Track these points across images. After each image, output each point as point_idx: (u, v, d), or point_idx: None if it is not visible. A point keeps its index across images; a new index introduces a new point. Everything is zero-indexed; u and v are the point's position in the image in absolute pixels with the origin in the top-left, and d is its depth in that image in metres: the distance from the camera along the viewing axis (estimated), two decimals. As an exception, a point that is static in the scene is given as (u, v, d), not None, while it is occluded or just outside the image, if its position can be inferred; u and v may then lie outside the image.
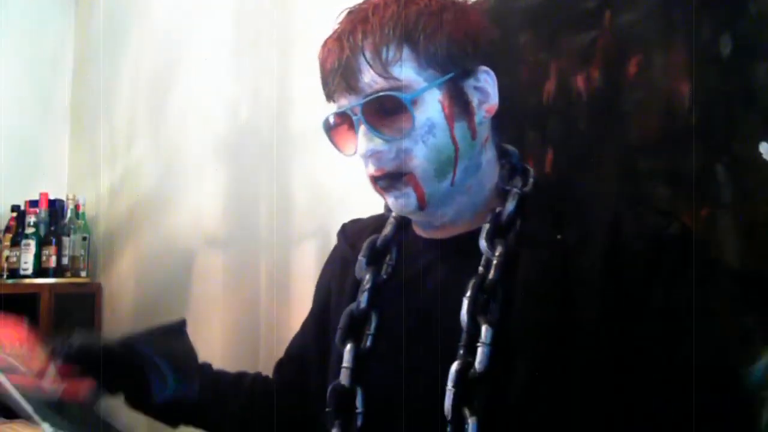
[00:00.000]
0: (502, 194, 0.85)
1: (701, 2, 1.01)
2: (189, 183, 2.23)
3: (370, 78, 0.79)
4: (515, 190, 0.84)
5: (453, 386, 0.76)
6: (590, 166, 1.14)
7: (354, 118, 0.81)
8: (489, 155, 0.86)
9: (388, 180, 0.82)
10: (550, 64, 1.18)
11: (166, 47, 2.40)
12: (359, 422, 0.85)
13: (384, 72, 0.78)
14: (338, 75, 0.80)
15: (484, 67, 0.83)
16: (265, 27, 2.01)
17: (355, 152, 0.83)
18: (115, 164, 2.60)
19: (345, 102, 0.82)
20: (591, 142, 1.14)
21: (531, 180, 0.85)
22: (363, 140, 0.80)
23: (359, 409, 0.85)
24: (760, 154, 0.94)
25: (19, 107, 2.76)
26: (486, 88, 0.83)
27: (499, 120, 0.86)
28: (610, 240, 0.76)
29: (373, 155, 0.81)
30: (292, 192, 1.85)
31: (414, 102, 0.79)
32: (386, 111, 0.79)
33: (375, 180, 0.83)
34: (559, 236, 0.78)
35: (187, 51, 2.29)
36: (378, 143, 0.80)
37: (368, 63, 0.79)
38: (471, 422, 0.75)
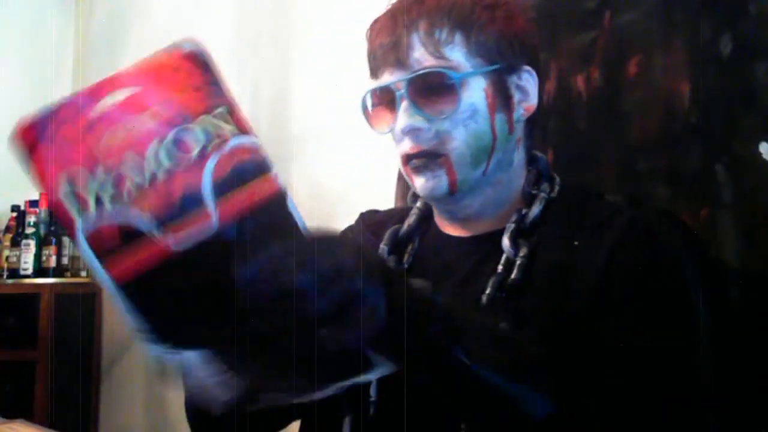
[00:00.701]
0: (527, 197, 0.85)
1: (702, 2, 1.01)
2: (189, 183, 2.22)
3: (419, 55, 0.80)
4: (543, 194, 0.84)
5: None
6: (590, 166, 1.14)
7: (397, 93, 0.81)
8: (520, 156, 0.87)
9: (422, 159, 0.81)
10: (550, 64, 1.18)
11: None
12: (371, 411, 0.83)
13: (435, 51, 0.80)
14: (388, 49, 0.81)
15: (528, 68, 0.84)
16: (265, 27, 2.01)
17: (389, 130, 0.83)
18: (115, 164, 2.60)
19: (389, 77, 0.82)
20: (591, 142, 1.14)
21: (557, 187, 0.86)
22: (403, 116, 0.80)
23: (372, 398, 0.83)
24: (760, 154, 0.94)
25: (19, 107, 2.74)
26: (527, 88, 0.84)
27: (531, 126, 0.87)
28: (620, 246, 0.76)
29: (411, 132, 0.80)
30: (292, 192, 1.85)
31: (461, 83, 0.80)
32: (430, 89, 0.80)
33: (408, 159, 0.82)
34: (576, 243, 0.78)
35: (187, 51, 2.29)
36: (418, 120, 0.80)
37: (421, 41, 0.80)
38: None
